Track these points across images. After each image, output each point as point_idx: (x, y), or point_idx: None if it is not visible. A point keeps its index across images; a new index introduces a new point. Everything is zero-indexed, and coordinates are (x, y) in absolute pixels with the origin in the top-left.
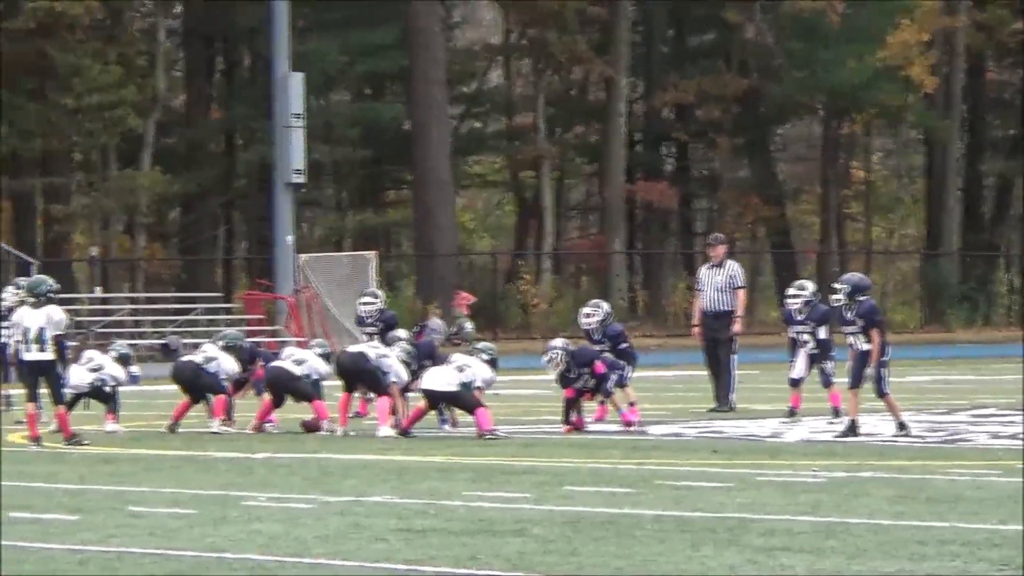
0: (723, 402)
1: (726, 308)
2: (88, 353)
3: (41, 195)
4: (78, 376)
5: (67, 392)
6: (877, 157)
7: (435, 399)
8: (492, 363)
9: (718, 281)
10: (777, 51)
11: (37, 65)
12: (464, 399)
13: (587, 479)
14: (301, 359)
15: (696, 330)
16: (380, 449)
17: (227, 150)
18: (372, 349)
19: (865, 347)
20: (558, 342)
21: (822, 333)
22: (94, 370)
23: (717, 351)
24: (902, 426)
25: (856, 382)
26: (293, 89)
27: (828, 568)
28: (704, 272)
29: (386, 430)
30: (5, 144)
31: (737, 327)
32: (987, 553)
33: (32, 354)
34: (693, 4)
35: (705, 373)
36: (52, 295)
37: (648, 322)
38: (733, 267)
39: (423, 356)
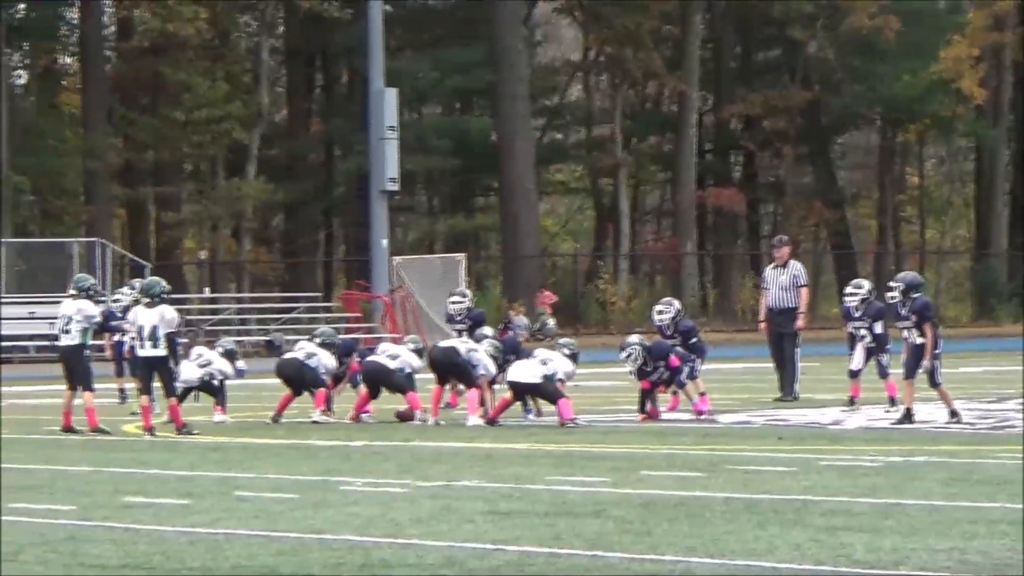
0: (787, 392)
1: (790, 305)
2: (197, 349)
3: (154, 203)
4: (188, 371)
5: (178, 386)
6: (930, 164)
7: (520, 391)
8: (573, 357)
9: (783, 280)
10: (837, 66)
11: (150, 82)
12: (547, 390)
13: (661, 464)
14: (395, 354)
15: (763, 325)
16: (469, 437)
17: (326, 160)
18: (462, 344)
19: (919, 341)
20: (634, 339)
21: (878, 328)
22: (203, 365)
23: (782, 345)
24: (954, 414)
25: (910, 373)
26: (387, 103)
27: (886, 546)
28: (769, 272)
29: (475, 419)
30: (121, 155)
31: (800, 323)
32: None
33: (146, 350)
34: (759, 23)
35: (771, 365)
36: (165, 295)
37: (717, 318)
38: (796, 267)
39: (508, 351)
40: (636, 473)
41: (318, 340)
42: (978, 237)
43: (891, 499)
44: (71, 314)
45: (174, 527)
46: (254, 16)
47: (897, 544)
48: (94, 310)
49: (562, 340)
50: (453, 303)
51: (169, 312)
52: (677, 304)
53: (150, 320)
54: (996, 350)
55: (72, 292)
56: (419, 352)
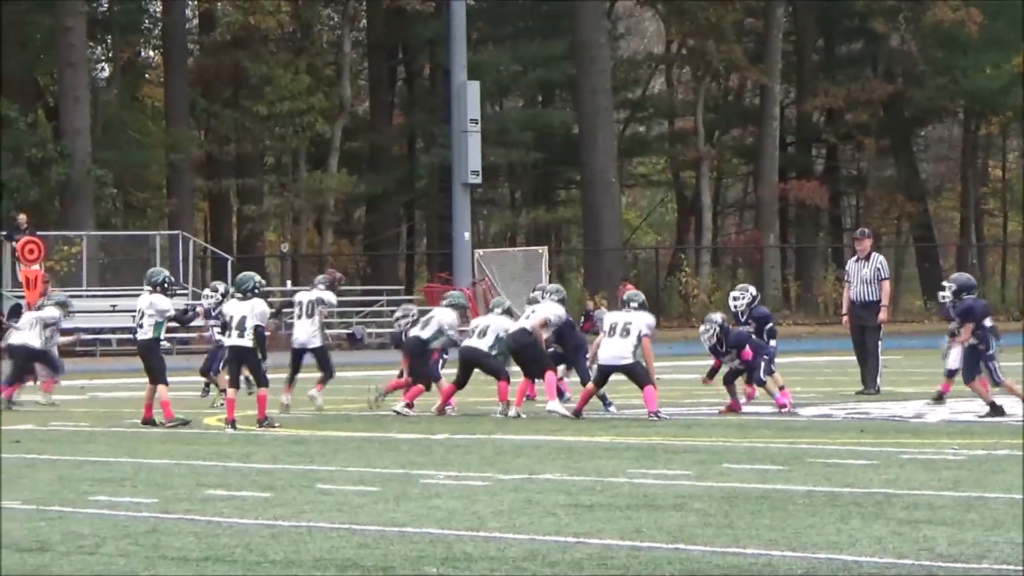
0: (869, 386)
1: (873, 298)
2: None
3: (235, 196)
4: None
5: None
6: (1013, 156)
7: (609, 372)
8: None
9: (865, 273)
10: (920, 58)
11: (232, 75)
12: (638, 372)
13: (743, 457)
14: (484, 327)
15: (845, 319)
16: (550, 430)
17: (408, 153)
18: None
19: (971, 341)
20: (717, 317)
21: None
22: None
23: (864, 338)
24: (993, 407)
25: (969, 376)
26: (470, 96)
27: (968, 539)
28: (852, 265)
29: (554, 404)
30: (203, 148)
31: (882, 316)
32: None
33: (233, 339)
34: (842, 16)
35: (853, 358)
36: (258, 289)
37: (800, 311)
38: (878, 260)
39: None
40: (718, 466)
41: (445, 302)
42: None
43: (974, 492)
44: (144, 308)
45: (256, 520)
46: (336, 9)
47: (979, 538)
48: (166, 304)
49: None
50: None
51: (260, 305)
52: (753, 290)
53: (240, 311)
54: None
55: (147, 287)
56: (508, 313)
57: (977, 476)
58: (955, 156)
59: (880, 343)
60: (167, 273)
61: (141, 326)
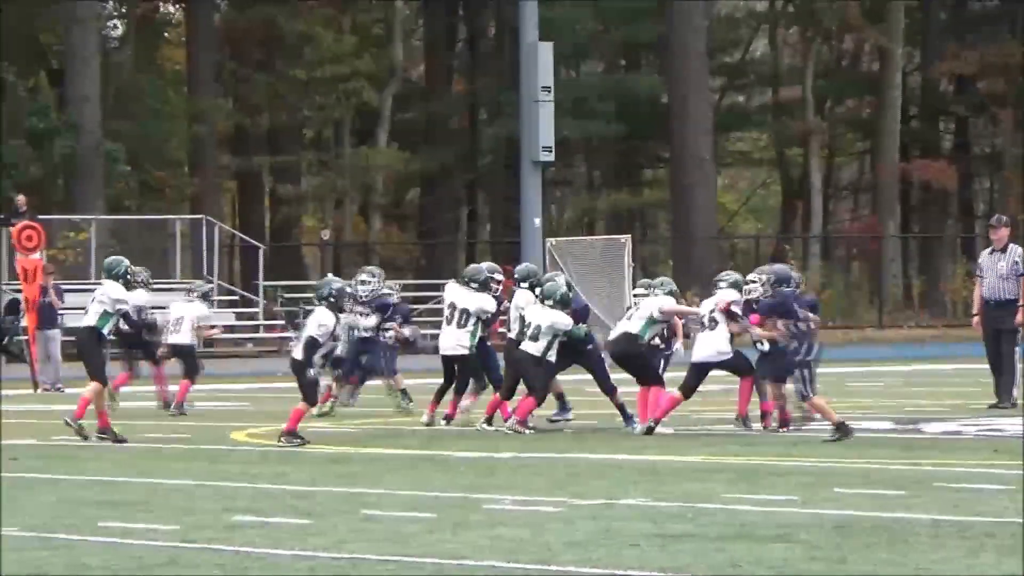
0: (1004, 399)
1: (1010, 296)
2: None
3: (269, 174)
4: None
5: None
6: None
7: (706, 371)
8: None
9: (1001, 267)
10: None
11: (265, 34)
12: (740, 363)
13: (857, 480)
14: (536, 326)
15: (976, 320)
16: (632, 448)
17: (470, 126)
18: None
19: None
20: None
21: None
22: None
23: (999, 342)
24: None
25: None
26: (542, 59)
27: None
28: (985, 257)
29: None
30: (231, 119)
31: (1020, 318)
32: None
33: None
34: None
35: (986, 366)
36: (334, 297)
37: (924, 311)
38: (1017, 252)
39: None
40: (828, 490)
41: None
42: None
43: None
44: (96, 295)
45: (292, 551)
46: None
47: None
48: (121, 293)
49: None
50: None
51: (326, 317)
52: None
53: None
54: None
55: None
56: (563, 300)
57: None
58: None
59: (1019, 349)
60: (128, 263)
61: (86, 313)
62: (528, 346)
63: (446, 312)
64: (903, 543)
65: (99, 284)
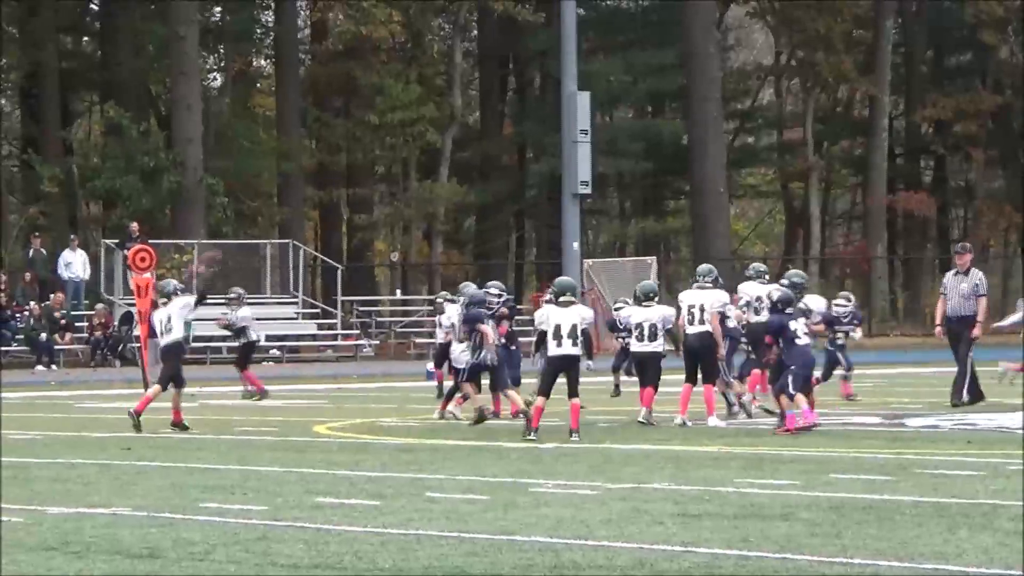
0: (957, 397)
1: (968, 314)
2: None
3: (346, 205)
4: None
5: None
6: None
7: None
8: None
9: (963, 288)
10: None
11: (344, 85)
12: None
13: (850, 467)
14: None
15: (939, 330)
16: (658, 439)
17: (519, 163)
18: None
19: None
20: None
21: None
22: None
23: (959, 348)
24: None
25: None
26: (580, 106)
27: None
28: (950, 278)
29: (714, 420)
30: (314, 157)
31: (976, 332)
32: None
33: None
34: (951, 27)
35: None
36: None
37: (907, 322)
38: (977, 275)
39: None
40: (825, 476)
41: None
42: None
43: None
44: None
45: (365, 528)
46: (447, 19)
47: None
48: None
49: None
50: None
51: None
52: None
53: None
54: None
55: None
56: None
57: None
58: None
59: (971, 355)
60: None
61: (171, 330)
62: (646, 346)
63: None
64: (889, 521)
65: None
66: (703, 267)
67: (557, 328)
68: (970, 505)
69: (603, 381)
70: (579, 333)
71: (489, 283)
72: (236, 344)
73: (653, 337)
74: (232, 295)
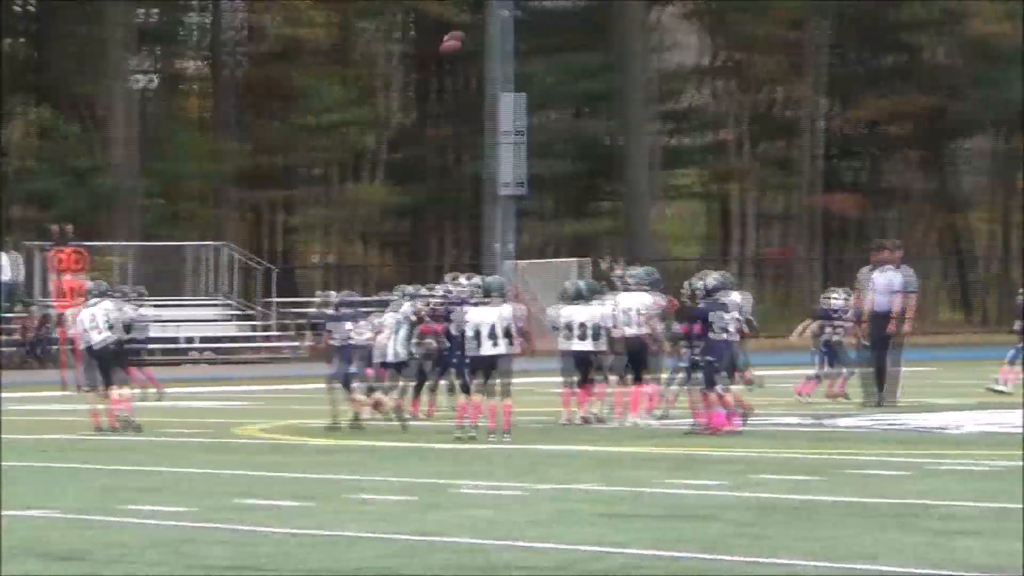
0: (872, 396)
1: (887, 310)
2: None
3: (280, 207)
4: None
5: None
6: None
7: None
8: None
9: (882, 284)
10: (959, 70)
11: (278, 87)
12: None
13: (777, 468)
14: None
15: (862, 327)
16: (587, 440)
17: (451, 165)
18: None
19: None
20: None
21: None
22: None
23: (877, 349)
24: None
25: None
26: (512, 108)
27: (1003, 550)
28: (870, 275)
29: (634, 418)
30: (248, 160)
31: (891, 327)
32: None
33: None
34: (882, 29)
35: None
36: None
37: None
38: (899, 272)
39: None
40: (753, 476)
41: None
42: None
43: (1008, 503)
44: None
45: (293, 529)
46: (382, 22)
47: (1014, 548)
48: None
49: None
50: None
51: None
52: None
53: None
54: None
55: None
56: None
57: (1011, 487)
58: (992, 168)
59: (891, 356)
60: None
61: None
62: (583, 345)
63: None
64: (818, 521)
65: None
66: (639, 269)
67: (477, 328)
68: (897, 505)
69: (533, 383)
70: (502, 332)
71: (423, 285)
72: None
73: (585, 337)
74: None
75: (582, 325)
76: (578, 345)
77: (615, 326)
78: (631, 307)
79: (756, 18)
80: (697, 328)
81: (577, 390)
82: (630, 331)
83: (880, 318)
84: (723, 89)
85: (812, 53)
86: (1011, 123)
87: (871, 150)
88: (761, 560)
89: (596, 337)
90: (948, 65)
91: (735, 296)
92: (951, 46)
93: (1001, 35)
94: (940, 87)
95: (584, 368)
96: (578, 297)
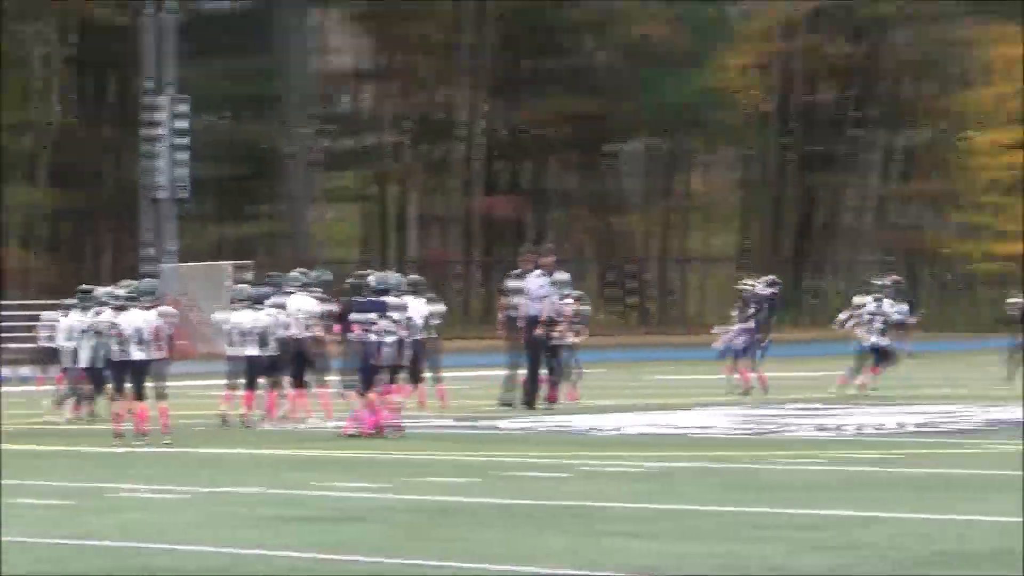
0: (506, 399)
1: (533, 313)
2: None
3: None
4: None
5: None
6: (702, 171)
7: None
8: None
9: (528, 289)
10: (619, 75)
11: None
12: None
13: (440, 470)
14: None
15: (501, 331)
16: (257, 443)
17: (112, 168)
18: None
19: None
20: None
21: None
22: None
23: (524, 351)
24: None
25: None
26: (172, 110)
27: (672, 551)
28: (514, 279)
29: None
30: None
31: (540, 330)
32: (807, 535)
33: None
34: (543, 33)
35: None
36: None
37: (486, 325)
38: (547, 276)
39: None
40: (415, 479)
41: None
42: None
43: (664, 504)
44: None
45: None
46: (46, 23)
47: (669, 549)
48: None
49: None
50: None
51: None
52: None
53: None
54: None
55: None
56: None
57: (666, 488)
58: (651, 171)
59: (532, 358)
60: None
61: None
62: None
63: None
64: (475, 524)
65: None
66: (314, 271)
67: (122, 333)
68: (556, 507)
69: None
70: (145, 338)
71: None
72: None
73: (253, 342)
74: None
75: (250, 330)
76: (248, 350)
77: (284, 329)
78: (299, 310)
79: (417, 21)
80: (337, 328)
81: (242, 393)
82: (296, 333)
83: (533, 322)
84: (383, 91)
85: (471, 56)
86: (669, 126)
87: (531, 153)
88: (424, 562)
89: (264, 344)
90: (608, 68)
91: (408, 299)
92: (612, 49)
93: (661, 38)
94: (600, 90)
95: (252, 372)
96: (250, 302)
